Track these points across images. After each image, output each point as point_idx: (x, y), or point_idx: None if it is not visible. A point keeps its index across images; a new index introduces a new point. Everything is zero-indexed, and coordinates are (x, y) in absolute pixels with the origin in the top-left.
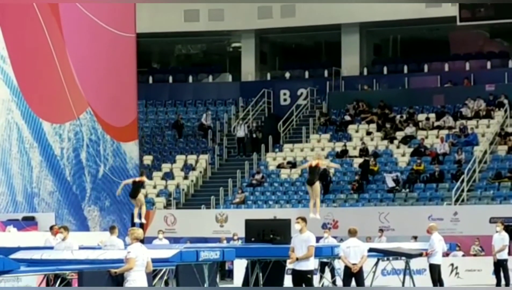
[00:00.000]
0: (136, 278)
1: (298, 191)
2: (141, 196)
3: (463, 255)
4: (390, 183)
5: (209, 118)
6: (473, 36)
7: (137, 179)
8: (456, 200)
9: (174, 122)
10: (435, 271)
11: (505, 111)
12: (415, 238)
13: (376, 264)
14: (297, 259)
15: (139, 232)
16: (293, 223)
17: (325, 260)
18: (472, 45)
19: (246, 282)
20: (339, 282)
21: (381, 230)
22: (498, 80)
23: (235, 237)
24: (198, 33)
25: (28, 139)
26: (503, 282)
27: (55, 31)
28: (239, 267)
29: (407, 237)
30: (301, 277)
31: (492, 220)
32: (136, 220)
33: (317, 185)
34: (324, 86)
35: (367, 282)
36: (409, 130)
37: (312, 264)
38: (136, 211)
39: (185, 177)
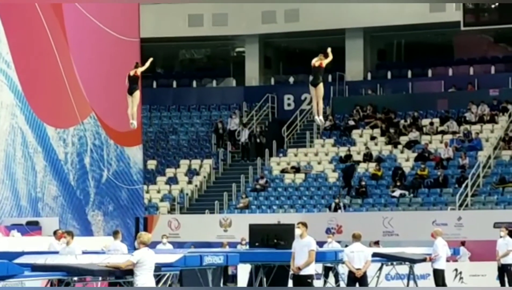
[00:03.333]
0: (146, 282)
1: (302, 196)
2: (137, 94)
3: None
4: (397, 194)
5: (232, 123)
6: (477, 40)
7: (131, 72)
8: (460, 205)
9: (215, 127)
10: (439, 276)
11: (509, 116)
12: (377, 243)
13: (380, 269)
14: (299, 268)
15: (145, 237)
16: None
17: (329, 264)
18: (476, 50)
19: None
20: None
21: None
22: (502, 85)
23: (243, 242)
24: (202, 38)
25: (32, 144)
26: (507, 287)
27: (59, 36)
28: (243, 272)
29: (411, 242)
30: (301, 282)
31: (496, 225)
32: (132, 121)
33: (321, 86)
34: (328, 91)
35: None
36: (413, 135)
37: (312, 268)
38: (129, 111)
39: (189, 182)
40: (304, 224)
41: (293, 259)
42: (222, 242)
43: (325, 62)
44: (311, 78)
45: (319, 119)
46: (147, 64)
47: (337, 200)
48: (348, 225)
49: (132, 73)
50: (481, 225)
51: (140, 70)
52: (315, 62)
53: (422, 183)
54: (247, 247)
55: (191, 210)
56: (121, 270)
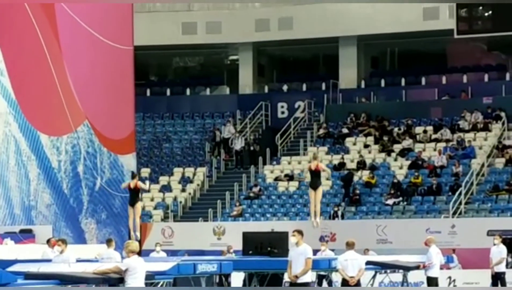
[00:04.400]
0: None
1: (296, 203)
2: (138, 205)
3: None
4: (391, 202)
5: (226, 131)
6: (470, 48)
7: (131, 184)
8: (454, 213)
9: (212, 135)
10: (432, 284)
11: (503, 123)
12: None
13: (374, 276)
14: (296, 277)
15: (133, 245)
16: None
17: (322, 273)
18: (470, 58)
19: None
20: None
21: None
22: (495, 93)
23: (231, 250)
24: (196, 46)
25: (26, 152)
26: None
27: (53, 44)
28: (236, 280)
29: (405, 250)
30: None
31: (490, 233)
32: (133, 233)
33: (320, 189)
34: (321, 98)
35: None
36: (407, 142)
37: (308, 276)
38: (130, 222)
39: (183, 190)
40: (300, 232)
41: (289, 268)
42: (220, 250)
43: (321, 165)
44: (310, 181)
45: (315, 221)
46: (146, 186)
47: (336, 208)
48: (342, 233)
49: (132, 185)
50: (475, 233)
51: (139, 184)
52: (311, 164)
53: (415, 191)
54: (234, 255)
55: (185, 218)
56: (115, 278)
